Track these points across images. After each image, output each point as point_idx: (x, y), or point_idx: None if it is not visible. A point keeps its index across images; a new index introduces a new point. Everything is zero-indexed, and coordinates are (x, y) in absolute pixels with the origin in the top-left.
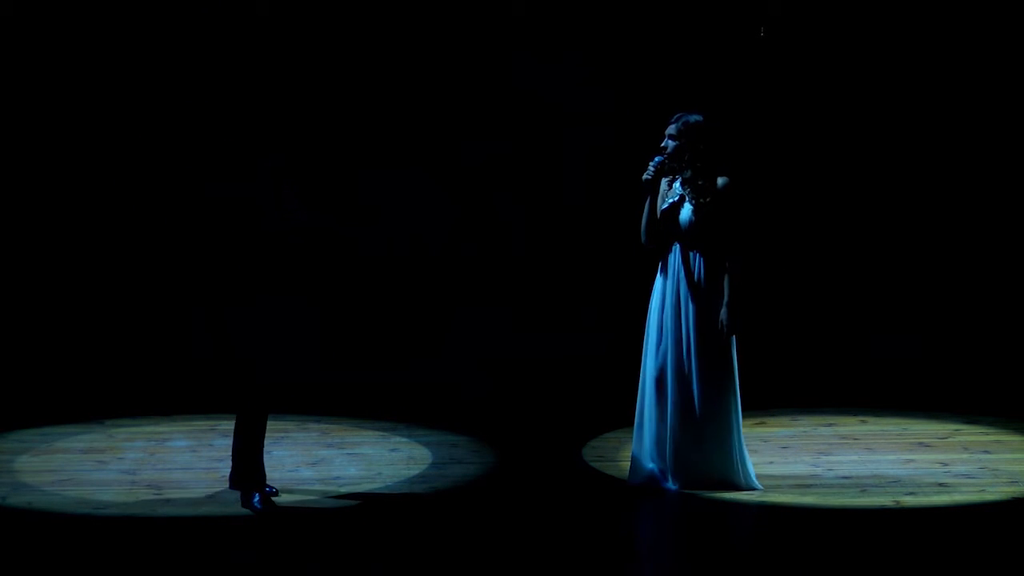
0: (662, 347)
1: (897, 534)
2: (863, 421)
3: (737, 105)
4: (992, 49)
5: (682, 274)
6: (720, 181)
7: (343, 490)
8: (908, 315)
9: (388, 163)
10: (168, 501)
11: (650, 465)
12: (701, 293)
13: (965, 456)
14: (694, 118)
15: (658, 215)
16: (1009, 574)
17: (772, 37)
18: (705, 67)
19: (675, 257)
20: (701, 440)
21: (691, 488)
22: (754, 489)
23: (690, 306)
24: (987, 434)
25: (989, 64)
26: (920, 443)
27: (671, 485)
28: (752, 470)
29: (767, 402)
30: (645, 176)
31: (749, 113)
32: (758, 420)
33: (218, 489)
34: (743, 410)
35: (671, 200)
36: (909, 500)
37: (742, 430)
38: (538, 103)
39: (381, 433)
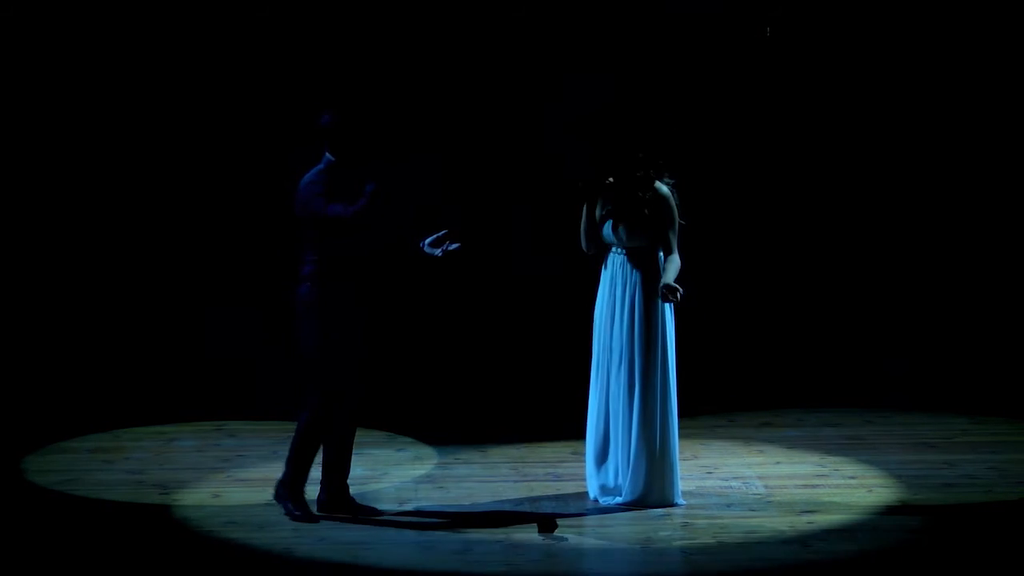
0: (604, 358)
1: (903, 534)
2: (868, 421)
3: (741, 107)
4: (992, 49)
5: (618, 282)
6: (663, 189)
7: (350, 490)
8: (914, 314)
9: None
10: (175, 501)
11: (599, 479)
12: (636, 301)
13: (971, 457)
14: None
15: (596, 220)
16: (1015, 575)
17: (775, 38)
18: (704, 69)
19: (612, 264)
20: (643, 454)
21: (636, 502)
22: (678, 505)
23: (625, 315)
24: (993, 434)
25: (988, 64)
26: (926, 443)
27: (620, 499)
28: (680, 486)
29: (772, 402)
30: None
31: (754, 116)
32: (764, 420)
33: (224, 489)
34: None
35: (609, 207)
36: (915, 500)
37: (677, 443)
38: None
39: (387, 433)
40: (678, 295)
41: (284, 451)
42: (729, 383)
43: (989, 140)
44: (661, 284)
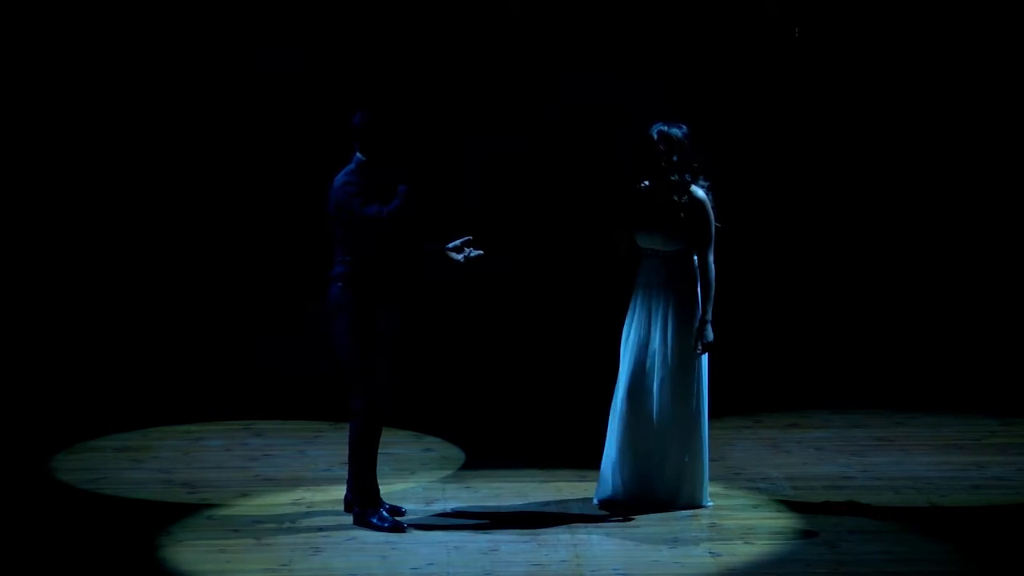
0: (635, 362)
1: (931, 536)
2: (897, 423)
3: (767, 106)
4: (991, 50)
5: (653, 286)
6: (699, 193)
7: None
8: (943, 315)
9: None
10: (202, 500)
11: (617, 482)
12: (671, 305)
13: (1000, 458)
14: (669, 129)
15: (632, 224)
16: None
17: (771, 40)
18: (704, 71)
19: (647, 268)
20: (675, 458)
21: (656, 505)
22: (705, 506)
23: (658, 321)
24: (1023, 436)
25: (991, 66)
26: (954, 445)
27: (637, 501)
28: (707, 488)
29: (799, 403)
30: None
31: (780, 116)
32: (791, 421)
33: (252, 488)
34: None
35: (646, 211)
36: (943, 502)
37: (707, 446)
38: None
39: (414, 433)
40: (709, 348)
41: (313, 450)
42: (756, 384)
43: (1017, 141)
44: (697, 340)
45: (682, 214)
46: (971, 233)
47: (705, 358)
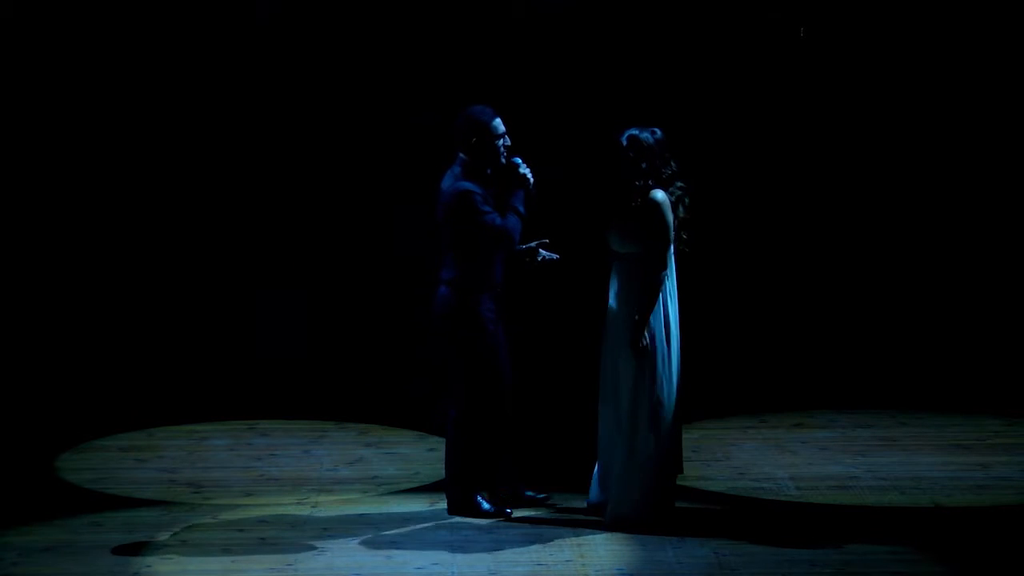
0: (603, 365)
1: (936, 536)
2: (902, 423)
3: (764, 105)
4: (990, 51)
5: (615, 289)
6: (657, 196)
7: (381, 489)
8: (948, 315)
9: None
10: (207, 500)
11: (596, 488)
12: (622, 308)
13: (1005, 459)
14: (640, 134)
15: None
16: None
17: (775, 41)
18: (701, 69)
19: (613, 271)
20: (625, 462)
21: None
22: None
23: (617, 324)
24: None
25: (989, 66)
26: (959, 445)
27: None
28: (657, 498)
29: (804, 403)
30: None
31: (777, 117)
32: (796, 421)
33: (257, 488)
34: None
35: (609, 214)
36: (948, 502)
37: (656, 453)
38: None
39: (418, 433)
40: (644, 347)
41: (318, 449)
42: (761, 384)
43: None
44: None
45: (637, 216)
46: (977, 233)
47: (660, 362)
